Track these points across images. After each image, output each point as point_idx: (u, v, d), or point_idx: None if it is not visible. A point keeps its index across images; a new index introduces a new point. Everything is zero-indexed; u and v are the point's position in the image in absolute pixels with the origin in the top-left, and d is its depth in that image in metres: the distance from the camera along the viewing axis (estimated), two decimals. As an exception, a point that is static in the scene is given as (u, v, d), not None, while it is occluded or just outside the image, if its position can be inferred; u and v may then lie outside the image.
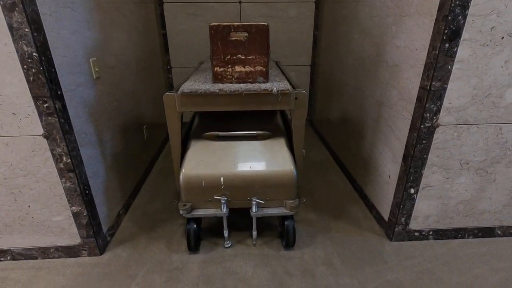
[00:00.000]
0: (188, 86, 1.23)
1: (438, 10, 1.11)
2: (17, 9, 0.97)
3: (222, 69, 1.25)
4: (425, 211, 1.46)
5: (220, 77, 1.27)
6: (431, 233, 1.51)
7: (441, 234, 1.52)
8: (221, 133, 1.41)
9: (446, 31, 1.08)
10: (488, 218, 1.49)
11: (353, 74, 1.99)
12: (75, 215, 1.34)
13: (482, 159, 1.34)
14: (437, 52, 1.12)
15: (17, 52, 1.03)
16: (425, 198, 1.42)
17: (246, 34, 1.19)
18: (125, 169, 1.79)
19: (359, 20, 1.85)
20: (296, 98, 1.29)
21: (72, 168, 1.23)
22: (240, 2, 2.63)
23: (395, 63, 1.43)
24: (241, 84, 1.25)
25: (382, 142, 1.60)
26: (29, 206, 1.30)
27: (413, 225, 1.49)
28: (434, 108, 1.22)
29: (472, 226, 1.51)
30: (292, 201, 1.37)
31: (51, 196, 1.29)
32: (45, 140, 1.18)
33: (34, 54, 1.04)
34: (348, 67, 2.08)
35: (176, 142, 1.35)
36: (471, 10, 1.06)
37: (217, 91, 1.20)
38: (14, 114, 1.13)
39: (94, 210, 1.39)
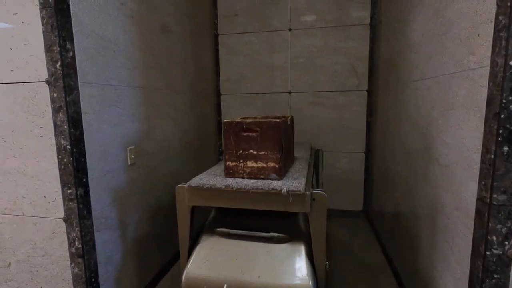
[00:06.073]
0: (197, 179, 1.20)
1: (487, 106, 0.89)
2: (61, 111, 1.16)
3: (234, 163, 1.20)
4: None
5: (231, 171, 1.21)
6: None
7: None
8: (231, 231, 1.28)
9: (500, 132, 0.84)
10: None
11: (404, 165, 1.71)
12: (78, 304, 1.29)
13: None
14: (492, 156, 0.86)
15: (56, 145, 1.19)
16: None
17: (259, 130, 1.15)
18: (148, 253, 1.75)
19: (406, 107, 1.67)
20: (313, 200, 1.11)
21: (81, 253, 1.24)
22: (290, 93, 2.75)
23: (446, 164, 1.17)
24: (251, 180, 1.16)
25: (440, 262, 1.22)
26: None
27: None
28: (503, 230, 0.88)
29: None
30: (308, 331, 1.06)
31: (60, 280, 1.29)
32: (64, 223, 1.24)
33: (68, 147, 1.17)
34: (398, 158, 1.81)
35: (184, 236, 1.27)
36: (534, 107, 0.81)
37: (223, 187, 1.13)
38: (45, 197, 1.24)
39: (98, 301, 1.33)
